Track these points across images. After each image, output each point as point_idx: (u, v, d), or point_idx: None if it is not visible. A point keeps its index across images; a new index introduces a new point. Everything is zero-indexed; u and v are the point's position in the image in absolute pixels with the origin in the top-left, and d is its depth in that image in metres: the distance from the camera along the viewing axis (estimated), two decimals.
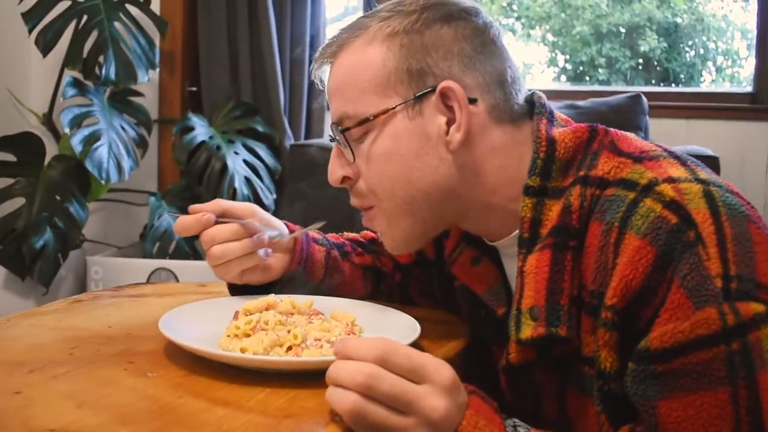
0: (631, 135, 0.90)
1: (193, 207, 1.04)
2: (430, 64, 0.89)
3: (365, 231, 1.25)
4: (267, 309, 0.96)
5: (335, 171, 0.96)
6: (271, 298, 0.98)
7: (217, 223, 1.03)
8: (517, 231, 0.90)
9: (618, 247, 0.77)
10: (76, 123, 2.50)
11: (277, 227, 1.07)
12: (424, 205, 0.92)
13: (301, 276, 1.09)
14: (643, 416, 0.75)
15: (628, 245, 0.76)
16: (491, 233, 0.96)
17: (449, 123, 0.89)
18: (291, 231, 1.10)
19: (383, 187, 0.92)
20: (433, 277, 1.17)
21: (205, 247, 1.03)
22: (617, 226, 0.78)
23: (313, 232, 1.15)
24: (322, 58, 0.97)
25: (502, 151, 0.92)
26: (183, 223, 1.03)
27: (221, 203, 1.05)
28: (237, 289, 1.10)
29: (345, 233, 1.25)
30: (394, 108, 0.89)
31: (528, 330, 0.83)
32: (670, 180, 0.78)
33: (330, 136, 0.97)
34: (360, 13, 3.45)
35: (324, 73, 0.98)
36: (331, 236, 1.19)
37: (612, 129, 0.90)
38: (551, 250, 0.84)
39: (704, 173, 0.81)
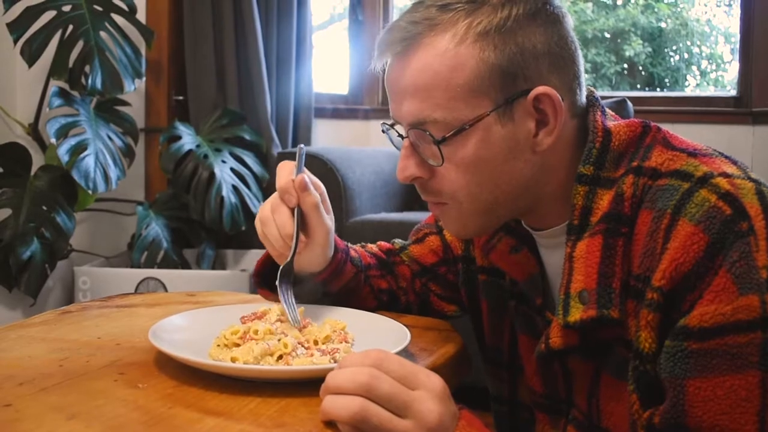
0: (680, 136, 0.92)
1: (300, 183, 1.00)
2: (522, 66, 0.86)
3: (381, 242, 1.25)
4: (258, 318, 0.96)
5: (408, 169, 0.92)
6: (263, 308, 0.99)
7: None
8: (564, 223, 0.91)
9: (669, 233, 0.79)
10: (63, 133, 2.49)
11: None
12: (504, 205, 0.92)
13: (320, 285, 1.09)
14: (669, 394, 0.76)
15: (681, 231, 0.78)
16: (541, 223, 0.97)
17: (538, 125, 0.88)
18: (337, 248, 1.09)
19: (468, 191, 0.90)
20: (458, 274, 1.17)
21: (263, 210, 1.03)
22: (670, 213, 0.80)
23: (352, 250, 1.15)
24: (389, 51, 0.90)
25: (572, 145, 0.92)
26: (284, 170, 1.02)
27: (313, 210, 1.02)
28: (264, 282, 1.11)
29: (369, 246, 1.23)
30: (487, 114, 0.86)
31: (577, 313, 0.85)
32: (725, 175, 0.81)
33: (396, 133, 0.94)
34: (346, 22, 3.45)
35: (386, 65, 0.92)
36: (360, 254, 1.17)
37: (663, 127, 0.92)
38: (602, 236, 0.85)
39: (754, 174, 0.83)
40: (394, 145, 0.98)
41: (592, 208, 0.88)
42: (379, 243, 1.25)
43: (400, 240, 1.25)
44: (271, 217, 1.01)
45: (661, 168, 0.85)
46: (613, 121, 0.92)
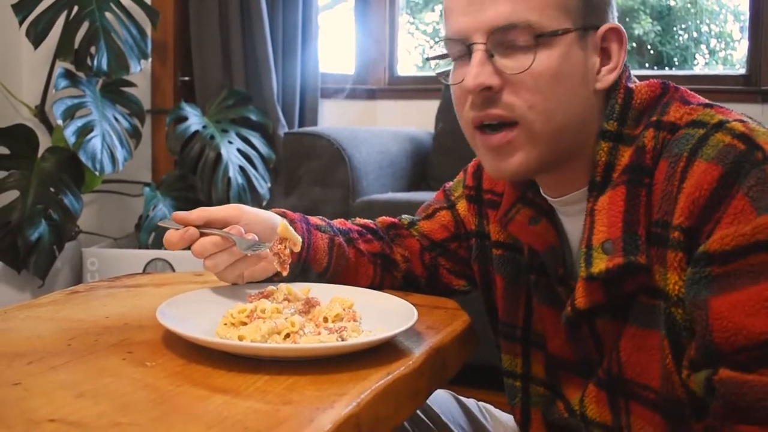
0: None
1: (176, 216, 1.01)
2: (603, 1, 0.91)
3: (382, 217, 1.24)
4: (265, 297, 0.97)
5: (481, 76, 0.88)
6: (270, 287, 0.99)
7: (202, 234, 1.01)
8: (583, 189, 0.92)
9: (685, 174, 0.80)
10: (69, 114, 2.50)
11: (267, 223, 1.06)
12: (567, 137, 0.91)
13: (305, 265, 1.09)
14: (697, 319, 0.76)
15: (696, 170, 0.79)
16: (561, 187, 0.96)
17: (602, 62, 0.91)
18: (291, 219, 1.09)
19: (545, 107, 0.88)
20: (471, 249, 1.16)
21: (198, 258, 1.03)
22: (686, 155, 0.81)
23: (315, 219, 1.14)
24: None
25: (605, 98, 0.94)
26: (169, 239, 1.01)
27: (205, 213, 1.02)
28: None
29: (357, 219, 1.23)
30: (573, 30, 0.88)
31: (602, 263, 0.85)
32: (740, 120, 0.82)
33: (469, 42, 0.90)
34: (352, 2, 3.43)
35: None
36: (338, 222, 1.18)
37: (681, 87, 0.93)
38: (626, 186, 0.86)
39: (766, 128, 0.85)
40: (439, 76, 0.97)
41: (615, 164, 0.89)
42: (380, 218, 1.24)
43: (408, 216, 1.24)
44: (207, 257, 1.01)
45: (679, 122, 0.86)
46: (633, 82, 0.94)
